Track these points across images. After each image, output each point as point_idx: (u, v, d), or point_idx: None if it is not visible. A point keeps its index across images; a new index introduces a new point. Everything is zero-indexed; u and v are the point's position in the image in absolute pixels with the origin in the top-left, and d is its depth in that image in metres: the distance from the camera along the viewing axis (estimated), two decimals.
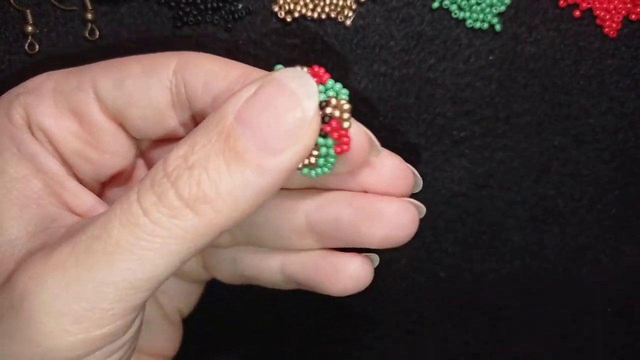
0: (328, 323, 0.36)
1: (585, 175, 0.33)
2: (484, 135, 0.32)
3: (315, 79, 0.21)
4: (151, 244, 0.19)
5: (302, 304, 0.36)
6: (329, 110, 0.21)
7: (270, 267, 0.27)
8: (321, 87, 0.21)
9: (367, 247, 0.25)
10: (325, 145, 0.21)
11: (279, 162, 0.19)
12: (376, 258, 0.26)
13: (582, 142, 0.32)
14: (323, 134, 0.21)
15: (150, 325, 0.30)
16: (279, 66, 0.21)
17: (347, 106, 0.21)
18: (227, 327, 0.36)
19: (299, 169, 0.22)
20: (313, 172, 0.22)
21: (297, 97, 0.19)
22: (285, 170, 0.19)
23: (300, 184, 0.25)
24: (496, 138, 0.32)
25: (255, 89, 0.19)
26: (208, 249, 0.29)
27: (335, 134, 0.21)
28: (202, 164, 0.19)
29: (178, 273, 0.30)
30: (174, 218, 0.19)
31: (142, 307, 0.21)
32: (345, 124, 0.21)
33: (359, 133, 0.22)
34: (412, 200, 0.24)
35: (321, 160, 0.21)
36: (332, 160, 0.22)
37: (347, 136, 0.21)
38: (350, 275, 0.25)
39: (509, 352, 0.36)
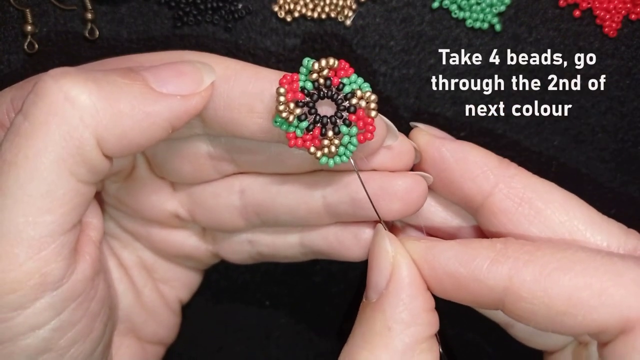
0: (328, 323, 0.36)
1: (584, 174, 0.33)
2: (484, 135, 0.32)
3: (342, 72, 0.23)
4: None
5: (302, 303, 0.36)
6: (354, 100, 0.23)
7: (289, 243, 0.29)
8: (346, 80, 0.23)
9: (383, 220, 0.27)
10: (349, 134, 0.23)
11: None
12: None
13: (581, 142, 0.32)
14: (347, 123, 0.23)
15: (152, 314, 0.30)
16: (307, 59, 0.23)
17: (373, 97, 0.23)
18: (222, 326, 0.36)
19: (318, 158, 0.23)
20: (331, 161, 0.23)
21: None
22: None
23: (310, 167, 0.26)
24: (496, 137, 0.32)
25: None
26: (220, 235, 0.29)
27: (361, 123, 0.23)
28: None
29: (182, 261, 0.30)
30: None
31: (74, 247, 0.22)
32: (372, 113, 0.23)
33: (377, 121, 0.23)
34: (420, 173, 0.26)
35: (341, 149, 0.23)
36: (352, 148, 0.23)
37: (372, 125, 0.23)
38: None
39: (509, 352, 0.36)
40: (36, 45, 0.31)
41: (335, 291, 0.36)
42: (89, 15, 0.31)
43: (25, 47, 0.31)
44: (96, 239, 0.25)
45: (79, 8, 0.31)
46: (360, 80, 0.23)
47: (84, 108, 0.21)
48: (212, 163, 0.27)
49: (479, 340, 0.36)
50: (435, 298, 0.24)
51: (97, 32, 0.31)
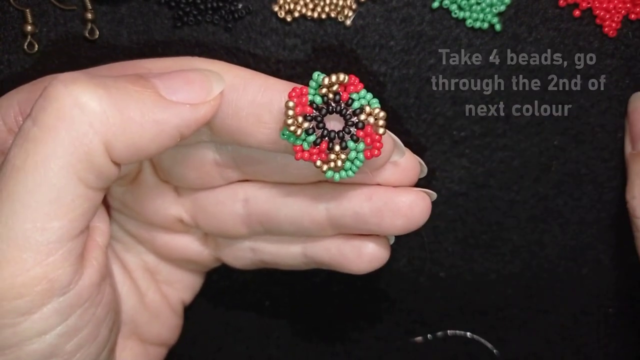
0: (328, 323, 0.36)
1: (584, 174, 0.33)
2: (484, 135, 0.32)
3: (352, 87, 0.23)
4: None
5: (302, 303, 0.36)
6: (363, 117, 0.23)
7: (291, 252, 0.29)
8: (355, 96, 0.23)
9: (384, 234, 0.27)
10: (356, 150, 0.23)
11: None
12: (392, 237, 0.28)
13: (581, 142, 0.32)
14: (355, 138, 0.23)
15: (156, 316, 0.30)
16: (317, 73, 0.23)
17: (382, 114, 0.23)
18: (222, 326, 0.36)
19: (324, 171, 0.23)
20: (337, 175, 0.23)
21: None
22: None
23: (315, 178, 0.27)
24: (496, 138, 0.32)
25: None
26: (223, 241, 0.30)
27: (368, 139, 0.23)
28: None
29: (185, 264, 0.31)
30: None
31: (81, 252, 0.22)
32: (380, 130, 0.23)
33: (385, 138, 0.23)
34: (424, 190, 0.26)
35: (347, 164, 0.23)
36: (358, 164, 0.23)
37: (379, 142, 0.23)
38: (374, 255, 0.27)
39: (509, 352, 0.36)
40: (36, 46, 0.31)
41: (336, 291, 0.36)
42: (89, 15, 0.31)
43: (25, 47, 0.31)
44: (103, 244, 0.25)
45: (79, 8, 0.31)
46: (369, 95, 0.23)
47: (93, 114, 0.21)
48: (217, 170, 0.27)
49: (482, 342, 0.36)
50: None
51: (97, 32, 0.31)
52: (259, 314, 0.36)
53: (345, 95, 0.23)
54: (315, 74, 0.23)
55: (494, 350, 0.36)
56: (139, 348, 0.30)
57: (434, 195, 0.26)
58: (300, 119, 0.22)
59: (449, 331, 0.36)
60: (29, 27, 0.30)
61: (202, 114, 0.23)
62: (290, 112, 0.22)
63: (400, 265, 0.35)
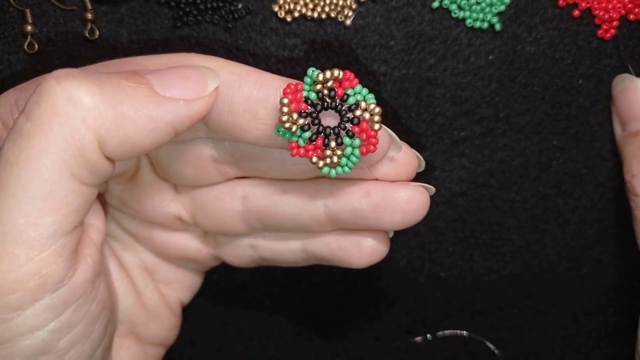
0: (328, 323, 0.36)
1: (584, 174, 0.33)
2: (484, 135, 0.32)
3: (347, 83, 0.22)
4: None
5: (302, 303, 0.36)
6: (358, 112, 0.22)
7: (291, 248, 0.29)
8: (350, 91, 0.23)
9: (383, 230, 0.27)
10: (352, 145, 0.23)
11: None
12: (391, 231, 0.28)
13: (581, 141, 0.32)
14: (350, 134, 0.23)
15: (153, 316, 0.30)
16: (311, 69, 0.22)
17: (377, 109, 0.23)
18: (222, 326, 0.36)
19: (319, 167, 0.23)
20: (333, 171, 0.23)
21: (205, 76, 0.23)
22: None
23: (313, 174, 0.26)
24: (496, 137, 0.32)
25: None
26: (223, 238, 0.29)
27: (364, 135, 0.22)
28: None
29: (184, 263, 0.31)
30: None
31: (74, 249, 0.22)
32: (376, 126, 0.23)
33: (381, 133, 0.23)
34: (423, 184, 0.26)
35: (343, 160, 0.23)
36: (354, 159, 0.23)
37: (375, 137, 0.23)
38: (374, 249, 0.27)
39: (509, 352, 0.36)
40: (36, 46, 0.31)
41: (335, 291, 0.36)
42: (89, 15, 0.30)
43: (25, 47, 0.31)
44: (98, 241, 0.24)
45: (79, 8, 0.31)
46: (365, 91, 0.23)
47: (86, 110, 0.21)
48: (215, 166, 0.27)
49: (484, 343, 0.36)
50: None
51: (97, 32, 0.31)
52: (259, 314, 0.36)
53: (340, 91, 0.23)
54: (310, 70, 0.23)
55: (495, 350, 0.36)
56: (136, 347, 0.29)
57: (433, 189, 0.26)
58: (295, 115, 0.22)
59: (449, 331, 0.36)
60: (29, 27, 0.30)
61: (197, 110, 0.22)
62: (285, 109, 0.22)
63: (400, 265, 0.35)
